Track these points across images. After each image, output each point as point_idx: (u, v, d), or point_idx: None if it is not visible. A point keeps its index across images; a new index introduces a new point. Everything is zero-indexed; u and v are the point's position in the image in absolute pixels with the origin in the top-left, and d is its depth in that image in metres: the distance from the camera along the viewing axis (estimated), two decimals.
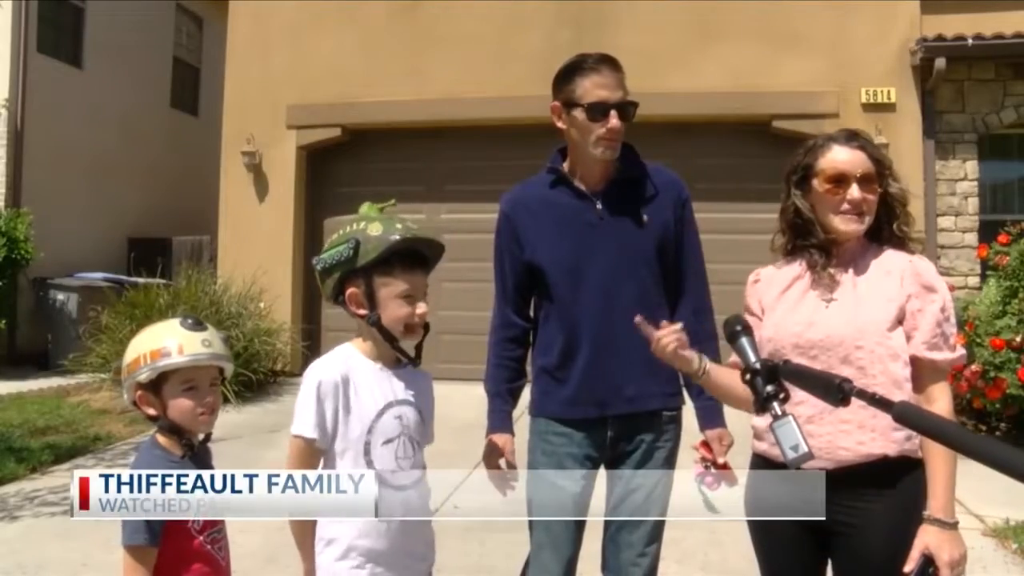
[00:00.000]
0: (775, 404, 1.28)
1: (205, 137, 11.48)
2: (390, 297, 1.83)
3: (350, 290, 1.85)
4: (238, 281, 8.15)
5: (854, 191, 1.78)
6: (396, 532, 1.82)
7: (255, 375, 7.45)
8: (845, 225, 1.80)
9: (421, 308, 1.85)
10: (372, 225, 1.83)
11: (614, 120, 2.08)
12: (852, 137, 1.86)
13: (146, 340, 1.83)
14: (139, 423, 6.21)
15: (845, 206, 1.79)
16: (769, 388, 1.29)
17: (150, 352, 1.80)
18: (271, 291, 8.20)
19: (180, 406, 1.83)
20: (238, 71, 9.16)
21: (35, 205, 9.41)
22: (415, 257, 1.86)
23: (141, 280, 8.56)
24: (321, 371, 1.84)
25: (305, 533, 1.85)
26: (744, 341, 1.40)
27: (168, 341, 1.81)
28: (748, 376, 1.34)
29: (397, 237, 1.80)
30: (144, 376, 1.80)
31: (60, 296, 9.31)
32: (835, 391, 1.13)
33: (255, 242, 8.72)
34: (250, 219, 8.90)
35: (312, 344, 8.71)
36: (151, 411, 1.84)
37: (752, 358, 1.36)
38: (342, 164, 9.02)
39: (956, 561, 1.63)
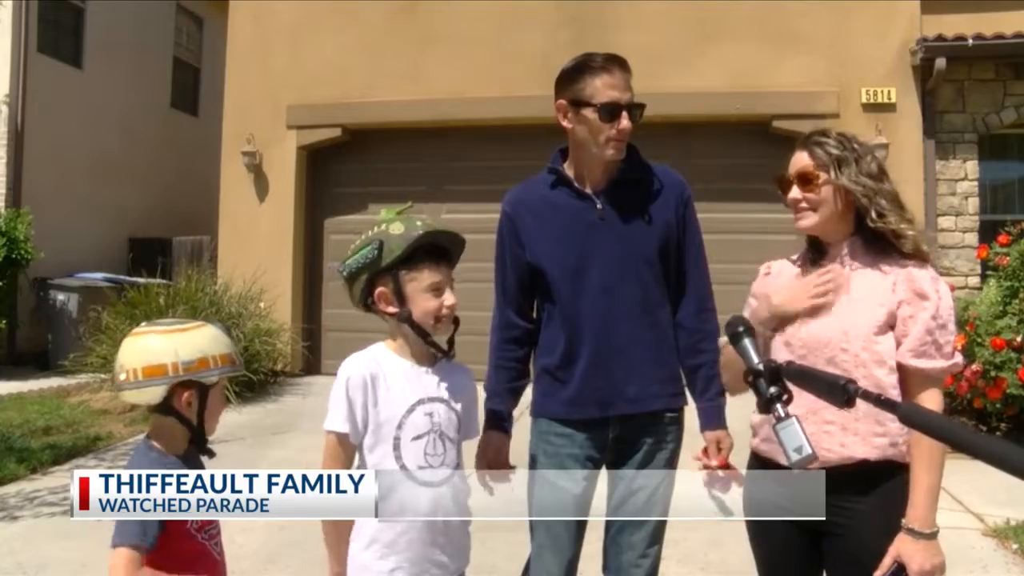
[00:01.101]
0: (778, 406, 1.28)
1: (205, 137, 11.48)
2: (418, 291, 1.86)
3: (379, 290, 1.88)
4: (238, 281, 8.14)
5: (792, 191, 1.86)
6: (422, 527, 1.84)
7: (255, 375, 7.45)
8: (797, 223, 1.88)
9: (449, 299, 1.89)
10: (393, 225, 1.87)
11: (625, 121, 2.08)
12: (807, 138, 1.90)
13: (210, 343, 1.84)
14: (139, 423, 6.20)
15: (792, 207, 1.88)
16: (772, 390, 1.29)
17: (220, 356, 1.83)
18: (271, 291, 8.20)
19: (217, 410, 1.89)
20: (238, 71, 9.16)
21: (35, 205, 9.41)
22: (438, 251, 1.90)
23: (141, 280, 8.55)
24: (351, 368, 1.88)
25: (340, 537, 1.87)
26: (747, 342, 1.39)
27: (231, 348, 1.88)
28: (751, 378, 1.33)
29: (420, 232, 1.85)
30: (214, 378, 1.83)
31: (60, 296, 9.31)
32: (840, 392, 1.13)
33: (255, 242, 8.71)
34: (250, 219, 8.90)
35: (312, 344, 8.72)
36: (187, 412, 1.84)
37: (755, 359, 1.36)
38: (342, 164, 9.02)
39: (927, 572, 1.63)
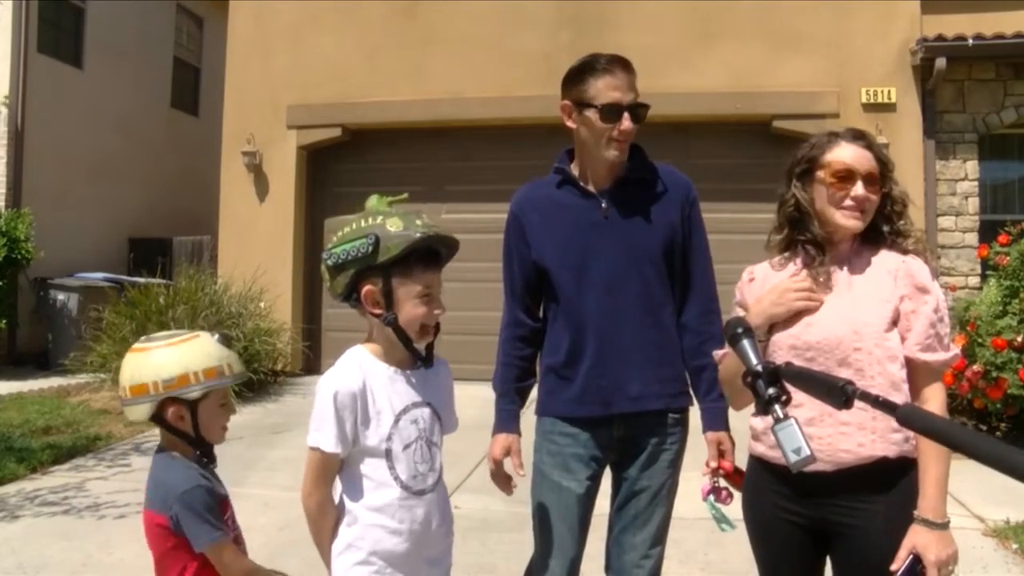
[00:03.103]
0: (777, 407, 1.27)
1: (205, 137, 11.48)
2: (408, 297, 1.77)
3: (367, 288, 1.77)
4: (238, 281, 8.14)
5: (859, 188, 1.79)
6: (417, 536, 1.80)
7: (256, 375, 7.45)
8: (845, 220, 1.81)
9: (438, 308, 1.81)
10: (391, 220, 1.75)
11: (627, 122, 2.09)
12: (859, 136, 1.87)
13: (193, 357, 1.83)
14: (138, 424, 6.20)
15: (848, 202, 1.80)
16: (771, 391, 1.28)
17: (203, 371, 1.82)
18: (271, 291, 8.20)
19: (213, 423, 1.88)
20: (238, 71, 9.16)
21: (35, 205, 9.41)
22: (432, 255, 1.81)
23: (141, 280, 8.55)
24: (337, 382, 1.77)
25: (322, 535, 1.83)
26: (746, 343, 1.39)
27: (219, 360, 1.85)
28: (750, 379, 1.33)
29: (419, 235, 1.73)
30: (196, 393, 1.82)
31: (60, 296, 9.31)
32: (838, 394, 1.12)
33: (255, 242, 8.72)
34: (250, 219, 8.90)
35: (313, 344, 8.72)
36: (182, 426, 1.85)
37: (754, 360, 1.35)
38: (342, 164, 9.02)
39: (943, 561, 1.63)
